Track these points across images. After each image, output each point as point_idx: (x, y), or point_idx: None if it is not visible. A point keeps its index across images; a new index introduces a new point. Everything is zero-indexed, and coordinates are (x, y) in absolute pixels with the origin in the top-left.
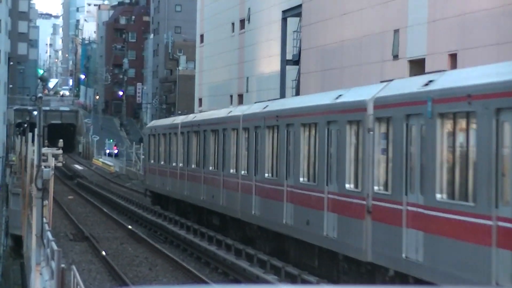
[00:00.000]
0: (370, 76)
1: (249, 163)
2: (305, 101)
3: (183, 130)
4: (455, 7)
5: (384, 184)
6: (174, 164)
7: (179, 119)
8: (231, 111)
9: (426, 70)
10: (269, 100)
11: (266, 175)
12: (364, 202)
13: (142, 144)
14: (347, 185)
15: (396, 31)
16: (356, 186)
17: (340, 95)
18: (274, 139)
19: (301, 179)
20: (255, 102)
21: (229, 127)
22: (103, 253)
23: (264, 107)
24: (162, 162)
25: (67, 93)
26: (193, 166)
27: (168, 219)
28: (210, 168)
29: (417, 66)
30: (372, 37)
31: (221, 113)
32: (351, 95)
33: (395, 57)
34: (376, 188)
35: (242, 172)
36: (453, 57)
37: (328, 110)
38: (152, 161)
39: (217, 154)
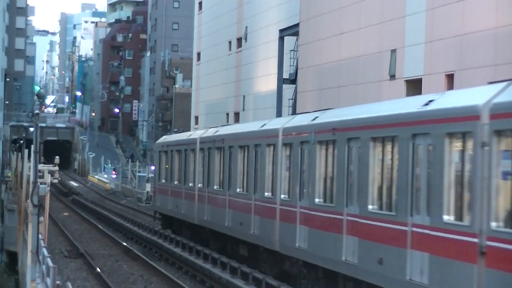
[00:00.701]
0: (367, 95)
1: (292, 186)
2: (373, 110)
3: (202, 146)
4: (453, 27)
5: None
6: (191, 184)
7: (197, 134)
8: (264, 124)
9: (423, 90)
10: (316, 111)
11: (317, 200)
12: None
13: (132, 160)
14: (444, 217)
15: (393, 51)
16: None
17: (431, 101)
18: (328, 157)
19: (370, 207)
20: (298, 113)
21: (263, 143)
22: (98, 270)
23: (313, 119)
24: (176, 182)
25: (51, 110)
26: (215, 187)
27: (163, 236)
28: (238, 190)
29: (414, 86)
30: (369, 56)
31: (251, 126)
32: (451, 100)
33: (392, 77)
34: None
35: (282, 196)
36: (450, 77)
37: (415, 119)
38: (163, 181)
39: (247, 174)
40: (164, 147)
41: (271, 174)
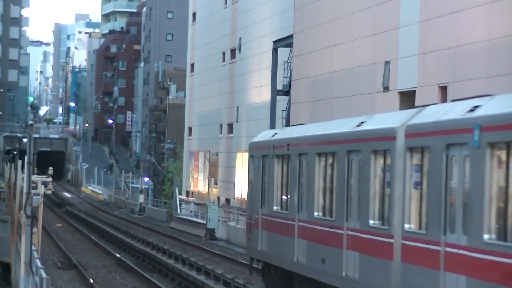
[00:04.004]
0: (361, 107)
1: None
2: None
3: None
4: (446, 39)
5: None
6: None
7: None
8: (363, 123)
9: (416, 102)
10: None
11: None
12: None
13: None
14: (370, 221)
15: (387, 63)
16: None
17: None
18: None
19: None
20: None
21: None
22: (91, 281)
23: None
24: (314, 212)
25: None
26: (275, 208)
27: (156, 248)
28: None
29: (407, 98)
30: (362, 68)
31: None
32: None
33: (386, 88)
34: None
35: (406, 226)
36: (444, 89)
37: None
38: (276, 208)
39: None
40: (267, 150)
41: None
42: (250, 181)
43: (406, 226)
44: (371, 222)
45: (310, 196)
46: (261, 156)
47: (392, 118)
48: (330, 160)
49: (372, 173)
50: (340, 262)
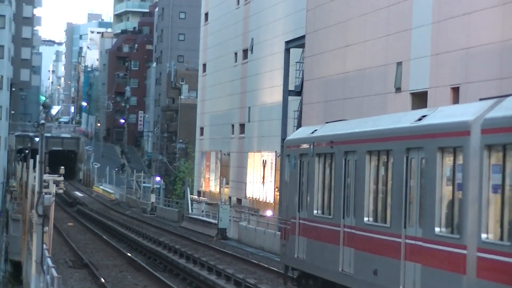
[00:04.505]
0: (373, 108)
1: None
2: None
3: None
4: (459, 41)
5: None
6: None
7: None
8: (425, 116)
9: (428, 103)
10: None
11: None
12: None
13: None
14: (436, 229)
15: (399, 64)
16: None
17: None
18: None
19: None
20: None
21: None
22: (102, 280)
23: None
24: (328, 215)
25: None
26: (315, 212)
27: (168, 247)
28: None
29: (420, 99)
30: (375, 69)
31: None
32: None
33: (398, 89)
34: None
35: (484, 236)
36: (456, 90)
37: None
38: (316, 212)
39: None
40: (307, 148)
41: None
42: (284, 183)
43: (483, 236)
44: (437, 230)
45: (359, 199)
46: (298, 155)
47: (463, 111)
48: (383, 159)
49: (439, 174)
50: (396, 274)
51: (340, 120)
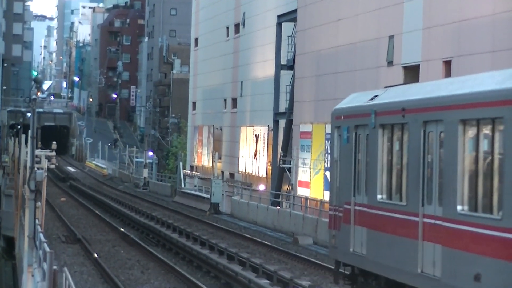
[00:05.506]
0: (365, 82)
1: None
2: None
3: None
4: (451, 14)
5: None
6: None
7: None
8: None
9: (420, 77)
10: None
11: None
12: None
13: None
14: None
15: (391, 38)
16: None
17: None
18: None
19: None
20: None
21: None
22: (95, 255)
23: None
24: (399, 200)
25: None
26: (379, 197)
27: (160, 222)
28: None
29: (412, 73)
30: (366, 43)
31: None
32: None
33: (390, 63)
34: None
35: None
36: (448, 64)
37: None
38: (366, 195)
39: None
40: (381, 117)
41: None
42: (334, 161)
43: None
44: None
45: (447, 182)
46: (353, 126)
47: None
48: (486, 130)
49: None
50: (509, 279)
51: (405, 84)
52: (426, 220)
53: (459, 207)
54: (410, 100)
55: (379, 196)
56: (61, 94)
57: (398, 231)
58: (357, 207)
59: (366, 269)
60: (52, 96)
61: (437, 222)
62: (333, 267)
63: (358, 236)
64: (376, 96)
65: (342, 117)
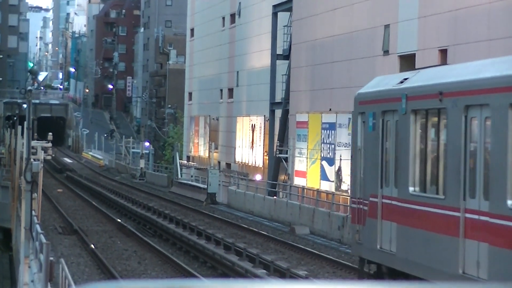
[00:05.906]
0: (361, 71)
1: None
2: None
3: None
4: (446, 2)
5: None
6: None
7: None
8: None
9: (416, 65)
10: None
11: None
12: None
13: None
14: None
15: (387, 27)
16: None
17: None
18: None
19: None
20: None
21: None
22: (92, 246)
23: None
24: (436, 193)
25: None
26: (411, 189)
27: (157, 213)
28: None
29: (408, 62)
30: (362, 32)
31: None
32: None
33: (386, 52)
34: None
35: None
36: (444, 52)
37: None
38: (395, 187)
39: None
40: (413, 102)
41: None
42: (357, 150)
43: None
44: None
45: (495, 173)
46: (380, 112)
47: None
48: None
49: None
50: None
51: (438, 65)
52: (468, 215)
53: (509, 202)
54: (448, 82)
55: (411, 189)
56: (52, 85)
57: (434, 227)
58: (385, 200)
59: (396, 268)
60: (43, 88)
61: (482, 218)
62: (332, 260)
63: (387, 232)
64: (406, 79)
65: (367, 102)
